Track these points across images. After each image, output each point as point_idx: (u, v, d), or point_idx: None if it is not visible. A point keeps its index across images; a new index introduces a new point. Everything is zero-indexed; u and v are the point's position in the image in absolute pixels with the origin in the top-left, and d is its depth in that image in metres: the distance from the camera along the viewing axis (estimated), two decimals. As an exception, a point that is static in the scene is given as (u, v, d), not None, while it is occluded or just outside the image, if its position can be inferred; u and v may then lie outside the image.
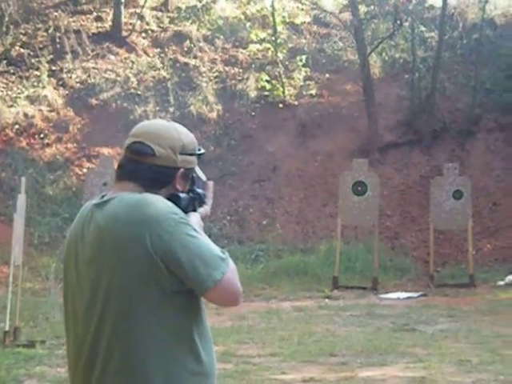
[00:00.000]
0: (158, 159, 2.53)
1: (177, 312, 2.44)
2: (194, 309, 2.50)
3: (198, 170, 2.68)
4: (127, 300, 2.42)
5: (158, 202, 2.46)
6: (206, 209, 2.78)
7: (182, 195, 2.59)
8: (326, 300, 12.65)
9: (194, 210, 2.68)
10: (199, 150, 2.69)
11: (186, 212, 2.58)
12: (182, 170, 2.58)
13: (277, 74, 19.79)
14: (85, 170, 16.83)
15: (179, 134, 2.60)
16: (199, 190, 2.74)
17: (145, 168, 2.53)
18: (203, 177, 2.72)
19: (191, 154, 2.63)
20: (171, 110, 18.72)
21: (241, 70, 20.12)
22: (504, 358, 8.22)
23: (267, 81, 19.61)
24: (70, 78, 18.93)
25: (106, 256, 2.44)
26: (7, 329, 9.39)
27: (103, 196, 2.57)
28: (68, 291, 2.59)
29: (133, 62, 19.76)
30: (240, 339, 9.57)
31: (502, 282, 13.73)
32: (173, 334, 2.44)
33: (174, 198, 2.54)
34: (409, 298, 12.82)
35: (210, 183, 2.86)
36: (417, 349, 8.81)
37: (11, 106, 17.77)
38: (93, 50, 19.70)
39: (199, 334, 2.50)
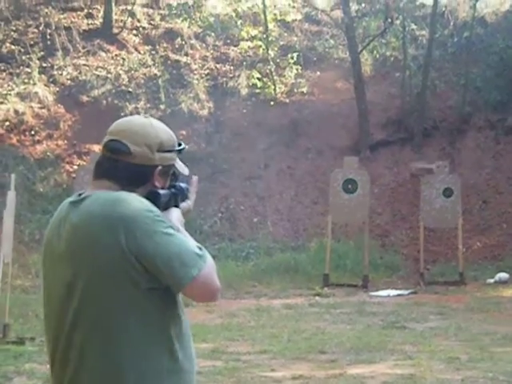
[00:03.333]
0: (134, 157, 2.51)
1: (152, 309, 2.43)
2: (171, 306, 2.49)
3: (179, 164, 2.65)
4: (101, 297, 2.41)
5: (134, 201, 2.44)
6: (188, 204, 2.75)
7: (162, 192, 2.56)
8: (317, 297, 12.67)
9: (177, 206, 2.66)
10: (179, 144, 2.66)
11: (166, 208, 2.57)
12: (159, 167, 2.56)
13: (268, 71, 19.79)
14: (75, 167, 16.81)
15: (156, 131, 2.57)
16: (182, 185, 2.71)
17: (121, 166, 2.51)
18: (185, 171, 2.68)
19: (170, 151, 2.59)
20: (162, 107, 18.70)
21: (232, 68, 20.12)
22: (493, 355, 8.24)
23: (258, 78, 19.61)
24: (61, 74, 18.89)
25: (81, 253, 2.43)
26: (-3, 326, 9.39)
27: (80, 194, 2.55)
28: (46, 289, 2.58)
29: (124, 59, 19.73)
30: (230, 336, 9.58)
31: (491, 280, 13.76)
32: (148, 332, 2.42)
33: (152, 196, 2.52)
34: (399, 295, 12.84)
35: (195, 178, 2.84)
36: (406, 346, 8.83)
37: (1, 103, 17.72)
38: (83, 47, 19.66)
39: (176, 331, 2.49)
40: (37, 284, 11.81)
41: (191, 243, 2.47)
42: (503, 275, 13.81)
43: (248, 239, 16.14)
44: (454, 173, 15.28)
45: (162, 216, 2.48)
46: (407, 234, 16.08)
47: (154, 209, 2.47)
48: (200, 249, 2.46)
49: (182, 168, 2.67)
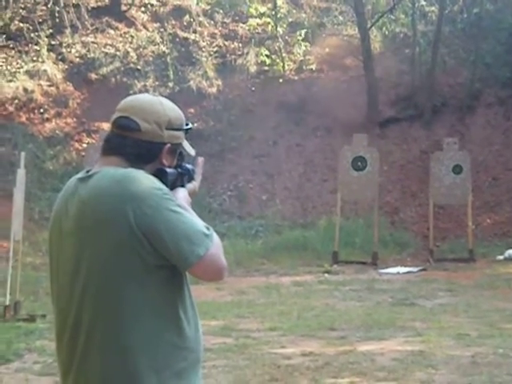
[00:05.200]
0: (144, 134, 2.52)
1: (160, 286, 2.44)
2: (178, 283, 2.50)
3: (186, 145, 2.66)
4: (109, 274, 2.42)
5: (143, 178, 2.45)
6: (194, 185, 2.75)
7: (169, 170, 2.57)
8: (326, 275, 12.69)
9: (183, 186, 2.67)
10: (187, 124, 2.66)
11: (173, 187, 2.58)
12: (168, 145, 2.56)
13: (277, 48, 19.73)
14: (84, 145, 16.83)
15: (165, 109, 2.58)
16: (188, 166, 2.72)
17: (130, 143, 2.51)
18: (192, 152, 2.68)
19: (178, 129, 2.60)
20: (171, 85, 18.67)
21: (240, 45, 20.05)
22: (502, 331, 8.25)
23: (267, 55, 19.55)
24: (70, 52, 18.88)
25: (89, 229, 2.44)
26: (8, 303, 9.45)
27: (88, 171, 2.56)
28: (53, 265, 2.60)
29: (132, 37, 19.69)
30: (240, 314, 9.61)
31: (501, 257, 13.76)
32: (156, 308, 2.44)
33: (160, 173, 2.53)
34: (408, 272, 12.86)
35: (200, 159, 2.84)
36: (416, 323, 8.84)
37: (11, 81, 17.72)
38: (92, 25, 19.62)
39: (184, 308, 2.50)
40: (47, 262, 11.79)
41: (199, 222, 2.48)
42: (513, 252, 13.81)
43: (257, 217, 16.16)
44: (464, 149, 15.23)
45: (171, 194, 2.49)
46: (417, 211, 16.07)
47: (163, 186, 2.47)
48: (207, 228, 2.47)
49: (188, 148, 2.67)
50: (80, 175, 2.56)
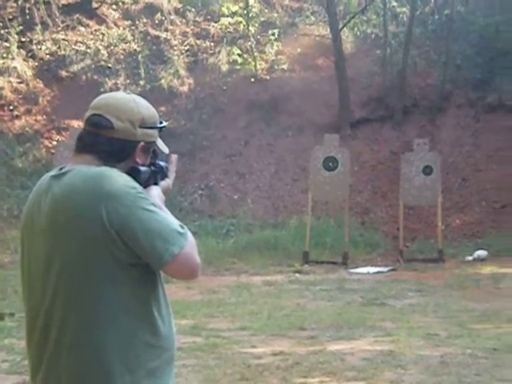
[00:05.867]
0: (117, 132, 2.52)
1: (133, 285, 2.44)
2: (152, 282, 2.50)
3: (160, 143, 2.66)
4: (81, 271, 2.41)
5: (117, 176, 2.45)
6: (168, 182, 2.76)
7: (143, 169, 2.57)
8: (297, 274, 12.70)
9: (156, 184, 2.66)
10: (161, 122, 2.66)
11: (146, 185, 2.57)
12: (142, 143, 2.56)
13: (248, 47, 19.72)
14: (54, 143, 16.73)
15: (138, 107, 2.58)
16: (162, 163, 2.72)
17: (103, 141, 2.51)
18: (166, 150, 2.69)
19: (151, 128, 2.61)
20: (142, 83, 18.60)
21: (212, 44, 20.02)
22: (471, 331, 8.30)
23: (239, 54, 19.54)
24: (40, 49, 18.74)
25: (61, 226, 2.43)
26: (-24, 302, 9.36)
27: (61, 168, 2.55)
28: (24, 262, 2.58)
29: (103, 34, 19.59)
30: (210, 313, 9.59)
31: (470, 258, 13.84)
32: (129, 307, 2.43)
33: (133, 172, 2.53)
34: (378, 272, 12.90)
35: (174, 156, 2.84)
36: (386, 323, 8.88)
37: (-20, 78, 17.59)
38: (63, 22, 19.49)
39: (158, 307, 2.50)
40: (15, 260, 11.75)
41: (173, 221, 2.48)
42: (482, 253, 13.88)
43: (228, 216, 16.14)
44: (434, 150, 15.31)
45: (145, 193, 2.47)
46: (387, 211, 16.13)
47: (137, 185, 2.47)
48: (182, 227, 2.47)
49: (162, 146, 2.67)
50: (53, 172, 2.55)
